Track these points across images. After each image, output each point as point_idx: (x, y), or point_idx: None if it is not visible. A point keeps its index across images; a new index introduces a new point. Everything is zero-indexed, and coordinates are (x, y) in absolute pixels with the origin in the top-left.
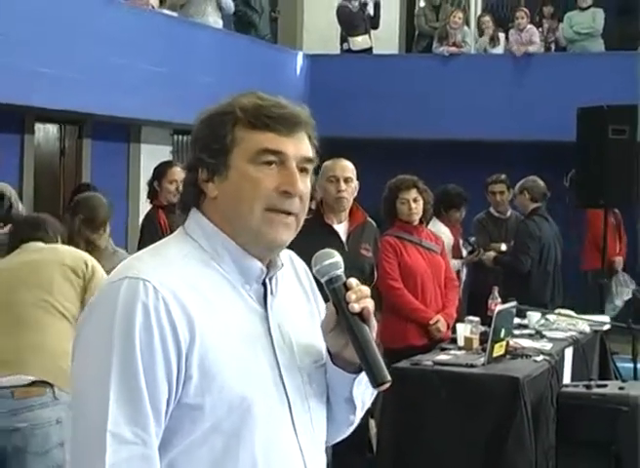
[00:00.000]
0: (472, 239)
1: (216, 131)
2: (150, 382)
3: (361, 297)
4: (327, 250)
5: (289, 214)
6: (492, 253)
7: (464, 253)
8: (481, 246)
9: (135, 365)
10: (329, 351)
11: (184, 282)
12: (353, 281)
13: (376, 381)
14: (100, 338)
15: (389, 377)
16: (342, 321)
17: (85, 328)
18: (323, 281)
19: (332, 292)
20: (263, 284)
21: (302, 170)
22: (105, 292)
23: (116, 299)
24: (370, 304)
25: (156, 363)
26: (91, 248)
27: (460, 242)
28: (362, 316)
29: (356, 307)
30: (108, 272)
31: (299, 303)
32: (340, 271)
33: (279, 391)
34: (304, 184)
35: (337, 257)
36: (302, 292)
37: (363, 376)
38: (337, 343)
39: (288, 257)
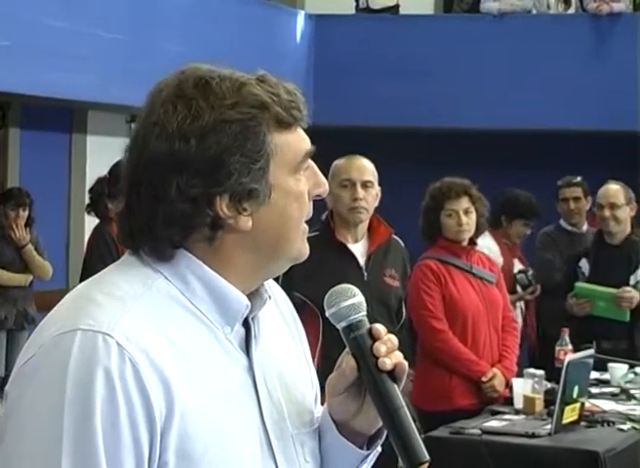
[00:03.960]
0: (530, 272)
1: (247, 144)
2: None
3: (392, 350)
4: (344, 285)
5: None
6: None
7: (518, 288)
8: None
9: (96, 457)
10: (332, 418)
11: (156, 332)
12: (381, 328)
13: (411, 463)
14: (45, 421)
15: (427, 456)
16: (367, 380)
17: (20, 403)
18: (340, 327)
19: (352, 341)
20: (245, 324)
21: None
22: (49, 350)
23: (66, 363)
24: (402, 358)
25: (123, 450)
26: None
27: (515, 269)
28: (393, 374)
29: (388, 363)
30: None
31: (284, 346)
32: (363, 315)
33: None
34: None
35: (358, 297)
36: (287, 329)
37: (376, 455)
38: (347, 409)
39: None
